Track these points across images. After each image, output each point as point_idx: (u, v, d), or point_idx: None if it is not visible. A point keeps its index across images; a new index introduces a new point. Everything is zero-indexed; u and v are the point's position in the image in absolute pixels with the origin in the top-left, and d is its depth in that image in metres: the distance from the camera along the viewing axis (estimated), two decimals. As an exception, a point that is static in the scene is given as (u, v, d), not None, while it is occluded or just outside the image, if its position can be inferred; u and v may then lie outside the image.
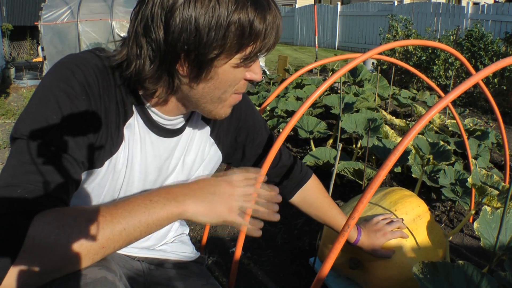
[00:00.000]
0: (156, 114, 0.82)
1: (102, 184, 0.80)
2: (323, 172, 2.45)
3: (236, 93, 0.80)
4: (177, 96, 0.80)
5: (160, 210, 0.66)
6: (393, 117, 3.24)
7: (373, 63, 6.28)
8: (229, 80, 0.75)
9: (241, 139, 1.05)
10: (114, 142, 0.78)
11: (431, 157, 2.10)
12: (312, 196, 1.17)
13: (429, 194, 2.30)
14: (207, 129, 0.96)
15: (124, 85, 0.78)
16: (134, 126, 0.81)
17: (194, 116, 0.93)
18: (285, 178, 1.14)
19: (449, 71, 5.58)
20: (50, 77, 0.71)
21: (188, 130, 0.92)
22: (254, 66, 0.77)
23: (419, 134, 2.62)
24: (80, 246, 0.59)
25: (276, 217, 0.74)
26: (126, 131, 0.80)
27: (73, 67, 0.72)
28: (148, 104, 0.81)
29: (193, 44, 0.69)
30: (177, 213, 0.67)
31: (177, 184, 0.73)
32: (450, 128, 3.09)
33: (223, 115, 0.83)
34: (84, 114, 0.71)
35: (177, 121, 0.87)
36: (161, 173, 0.91)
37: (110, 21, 6.33)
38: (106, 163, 0.79)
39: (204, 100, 0.78)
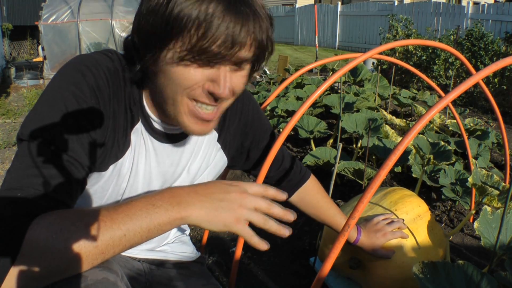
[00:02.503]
0: (154, 120, 0.82)
1: (105, 187, 0.80)
2: (324, 171, 2.45)
3: (191, 99, 0.71)
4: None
5: (162, 215, 0.63)
6: (394, 117, 3.24)
7: (373, 63, 6.28)
8: (177, 79, 0.69)
9: (247, 143, 1.04)
10: (120, 147, 0.78)
11: (431, 156, 2.10)
12: (310, 196, 1.17)
13: (429, 193, 2.30)
14: (214, 134, 0.95)
15: (132, 89, 0.77)
16: (140, 132, 0.81)
17: None
18: (284, 179, 1.14)
19: (450, 71, 5.58)
20: (59, 78, 0.70)
21: (194, 136, 0.90)
22: (218, 77, 0.69)
23: (419, 133, 2.62)
24: (79, 251, 0.58)
25: (286, 232, 0.66)
26: (133, 136, 0.80)
27: (83, 69, 0.71)
28: (148, 109, 0.80)
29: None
30: (180, 218, 0.64)
31: (184, 187, 0.68)
32: (450, 128, 3.09)
33: (190, 128, 0.75)
34: (91, 118, 0.70)
35: (177, 127, 0.85)
36: (166, 180, 0.90)
37: (110, 21, 6.33)
38: (111, 167, 0.78)
39: (162, 99, 0.74)
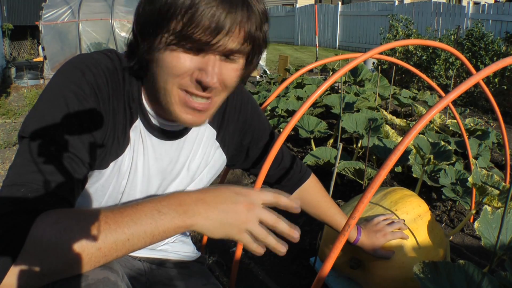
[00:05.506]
0: (153, 116, 0.82)
1: (106, 185, 0.80)
2: (324, 171, 2.46)
3: (182, 89, 0.71)
4: None
5: (168, 223, 0.63)
6: (394, 117, 3.24)
7: (373, 63, 6.28)
8: (166, 67, 0.69)
9: (246, 142, 1.04)
10: (120, 144, 0.78)
11: (431, 156, 2.10)
12: (310, 195, 1.18)
13: (429, 193, 2.30)
14: (213, 132, 0.95)
15: (131, 87, 0.78)
16: (139, 129, 0.81)
17: None
18: (284, 178, 1.15)
19: (450, 71, 5.58)
20: (60, 77, 0.71)
21: (193, 133, 0.91)
22: (207, 65, 0.69)
23: (419, 133, 2.62)
24: (82, 252, 0.58)
25: (283, 250, 0.68)
26: (132, 133, 0.80)
27: (83, 68, 0.71)
28: (147, 106, 0.81)
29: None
30: (185, 227, 0.64)
31: (192, 194, 0.67)
32: (450, 128, 3.09)
33: (182, 118, 0.74)
34: (91, 115, 0.71)
35: (176, 123, 0.84)
36: (165, 177, 0.90)
37: (110, 21, 6.33)
38: (111, 164, 0.78)
39: (155, 90, 0.74)
